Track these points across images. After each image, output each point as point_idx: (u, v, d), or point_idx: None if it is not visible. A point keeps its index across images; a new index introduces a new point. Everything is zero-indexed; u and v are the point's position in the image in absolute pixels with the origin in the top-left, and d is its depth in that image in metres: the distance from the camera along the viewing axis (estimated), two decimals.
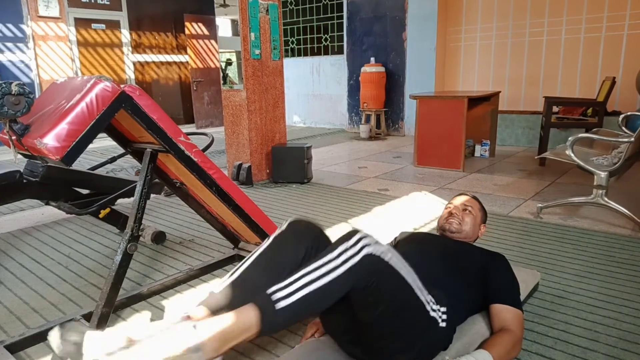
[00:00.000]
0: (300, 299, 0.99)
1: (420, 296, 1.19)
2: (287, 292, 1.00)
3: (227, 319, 0.96)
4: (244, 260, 1.30)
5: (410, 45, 6.37)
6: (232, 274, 1.26)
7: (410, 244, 1.66)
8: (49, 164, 2.05)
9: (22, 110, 1.48)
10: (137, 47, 7.66)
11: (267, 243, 1.32)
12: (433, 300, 1.24)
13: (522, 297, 1.66)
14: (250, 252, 2.26)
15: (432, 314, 1.23)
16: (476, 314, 1.48)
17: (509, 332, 1.36)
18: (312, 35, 7.65)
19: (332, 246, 1.08)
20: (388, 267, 1.09)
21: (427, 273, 1.40)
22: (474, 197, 1.74)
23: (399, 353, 1.21)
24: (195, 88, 7.83)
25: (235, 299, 1.16)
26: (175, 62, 8.22)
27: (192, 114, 8.01)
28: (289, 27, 7.88)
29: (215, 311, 1.12)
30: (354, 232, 1.09)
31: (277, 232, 1.33)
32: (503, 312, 1.40)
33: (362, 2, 6.74)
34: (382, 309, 1.12)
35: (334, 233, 2.64)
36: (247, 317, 0.97)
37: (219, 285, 1.24)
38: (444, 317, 1.26)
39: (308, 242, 1.30)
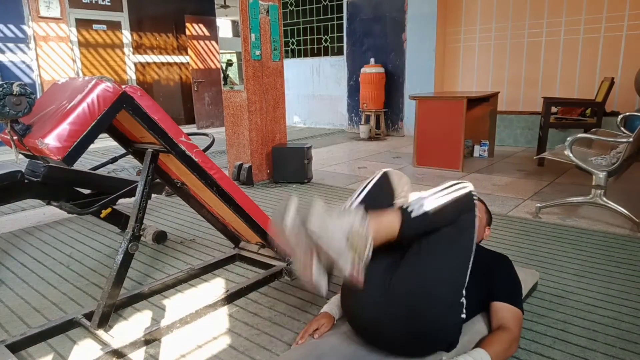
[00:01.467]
0: (426, 212, 1.27)
1: (467, 274, 1.30)
2: (417, 206, 1.28)
3: (382, 215, 1.27)
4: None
5: (409, 46, 6.38)
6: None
7: None
8: (50, 164, 2.06)
9: (23, 110, 1.49)
10: (138, 48, 7.67)
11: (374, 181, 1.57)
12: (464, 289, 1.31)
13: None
14: (250, 251, 2.29)
15: (462, 300, 1.29)
16: (478, 314, 1.49)
17: (506, 330, 1.36)
18: (312, 36, 7.66)
19: (448, 182, 1.37)
20: (470, 225, 1.32)
21: None
22: (479, 200, 1.74)
23: (430, 326, 1.26)
24: (196, 89, 7.84)
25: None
26: (176, 63, 8.23)
27: (192, 114, 8.02)
28: (289, 28, 7.90)
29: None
30: (460, 181, 1.38)
31: (377, 178, 1.57)
32: (502, 310, 1.41)
33: (362, 3, 6.76)
34: (439, 261, 1.27)
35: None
36: (394, 217, 1.27)
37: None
38: (464, 311, 1.31)
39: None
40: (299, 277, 1.21)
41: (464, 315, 1.32)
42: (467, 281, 1.30)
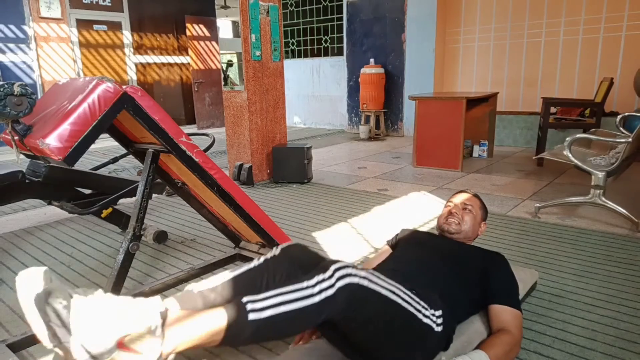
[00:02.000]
0: (273, 316, 0.96)
1: (409, 307, 1.18)
2: (262, 305, 0.96)
3: (197, 321, 0.93)
4: (229, 272, 1.27)
5: (409, 47, 6.39)
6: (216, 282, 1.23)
7: (409, 245, 1.66)
8: (51, 164, 2.07)
9: (24, 110, 1.50)
10: (138, 49, 7.68)
11: (257, 262, 1.30)
12: (426, 306, 1.23)
13: (520, 297, 1.67)
14: (251, 251, 2.29)
15: (425, 320, 1.21)
16: (476, 313, 1.49)
17: (508, 333, 1.35)
18: (312, 37, 7.67)
19: (311, 274, 1.06)
20: (367, 292, 1.08)
21: (425, 275, 1.41)
22: (475, 195, 1.73)
23: None
24: (196, 89, 7.85)
25: (210, 302, 1.15)
26: (176, 64, 8.24)
27: (193, 114, 8.03)
28: (289, 28, 7.90)
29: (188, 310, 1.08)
30: (330, 263, 1.08)
31: (269, 255, 1.32)
32: (502, 313, 1.40)
33: (362, 4, 6.77)
34: (370, 329, 1.13)
35: (334, 233, 2.67)
36: (217, 321, 0.93)
37: (197, 287, 1.20)
38: (439, 320, 1.25)
39: (296, 263, 1.28)
40: None
41: (439, 328, 1.24)
42: (415, 304, 1.20)
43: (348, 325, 1.11)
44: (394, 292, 1.15)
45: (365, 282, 1.08)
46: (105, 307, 0.84)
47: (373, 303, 1.10)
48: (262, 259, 1.32)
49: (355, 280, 1.06)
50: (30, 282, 0.85)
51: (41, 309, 0.81)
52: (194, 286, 1.22)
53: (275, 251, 1.34)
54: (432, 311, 1.25)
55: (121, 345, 0.83)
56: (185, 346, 0.92)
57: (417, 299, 1.22)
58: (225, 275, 1.25)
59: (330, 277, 1.04)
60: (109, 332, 0.82)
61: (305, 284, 1.02)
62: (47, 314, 0.81)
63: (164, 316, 0.91)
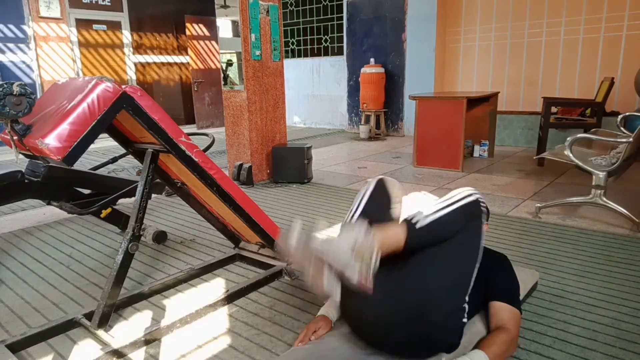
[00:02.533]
0: (431, 222, 1.27)
1: (471, 282, 1.31)
2: (421, 217, 1.29)
3: (388, 228, 1.29)
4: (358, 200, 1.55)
5: (409, 46, 6.38)
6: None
7: None
8: (50, 164, 2.07)
9: (23, 110, 1.49)
10: (138, 48, 7.67)
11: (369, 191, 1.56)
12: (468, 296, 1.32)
13: (521, 297, 1.67)
14: (250, 251, 2.29)
15: (464, 305, 1.30)
16: (477, 314, 1.49)
17: (505, 330, 1.36)
18: (312, 36, 7.67)
19: (454, 191, 1.37)
20: (479, 228, 1.35)
21: None
22: None
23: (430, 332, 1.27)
24: (196, 89, 7.85)
25: None
26: (176, 63, 8.24)
27: (193, 114, 8.02)
28: (289, 28, 7.90)
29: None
30: (466, 189, 1.38)
31: (372, 186, 1.57)
32: (501, 310, 1.41)
33: (362, 3, 6.76)
34: (444, 260, 1.28)
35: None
36: (399, 230, 1.28)
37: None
38: (466, 315, 1.32)
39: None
40: (310, 289, 1.24)
41: (465, 320, 1.32)
42: (471, 287, 1.31)
43: (437, 244, 1.29)
44: (478, 259, 1.33)
45: (484, 225, 1.36)
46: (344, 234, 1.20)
47: (472, 240, 1.33)
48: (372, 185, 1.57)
49: (483, 205, 1.36)
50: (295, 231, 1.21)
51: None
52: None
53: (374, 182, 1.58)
54: (466, 305, 1.32)
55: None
56: (384, 245, 1.23)
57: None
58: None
59: (470, 194, 1.35)
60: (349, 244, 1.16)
61: (448, 195, 1.36)
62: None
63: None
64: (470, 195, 1.34)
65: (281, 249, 1.22)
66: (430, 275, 1.27)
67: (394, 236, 1.26)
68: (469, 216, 1.32)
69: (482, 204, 1.34)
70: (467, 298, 1.31)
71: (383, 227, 1.27)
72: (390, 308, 1.26)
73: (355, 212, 1.50)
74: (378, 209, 1.50)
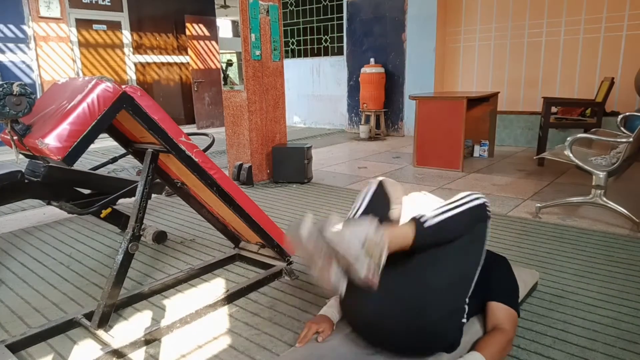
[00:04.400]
0: (440, 222, 1.28)
1: (472, 283, 1.32)
2: (430, 216, 1.29)
3: (396, 226, 1.33)
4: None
5: (409, 46, 6.38)
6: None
7: None
8: (50, 164, 2.06)
9: (23, 110, 1.49)
10: (138, 48, 7.67)
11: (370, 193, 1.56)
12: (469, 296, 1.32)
13: (521, 297, 1.67)
14: (250, 251, 2.29)
15: (465, 306, 1.30)
16: (476, 315, 1.49)
17: (502, 331, 1.37)
18: (312, 36, 7.67)
19: (460, 194, 1.38)
20: (485, 227, 1.36)
21: None
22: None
23: (430, 333, 1.27)
24: (196, 89, 7.84)
25: None
26: (176, 63, 8.24)
27: (193, 114, 8.02)
28: (289, 28, 7.90)
29: None
30: (473, 193, 1.40)
31: (374, 188, 1.58)
32: (498, 310, 1.42)
33: (362, 3, 6.76)
34: (447, 263, 1.29)
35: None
36: (407, 228, 1.29)
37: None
38: (466, 316, 1.32)
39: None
40: (316, 282, 1.25)
41: (464, 320, 1.32)
42: (472, 289, 1.32)
43: (441, 247, 1.30)
44: (481, 262, 1.34)
45: (488, 229, 1.37)
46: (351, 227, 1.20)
47: (473, 249, 1.34)
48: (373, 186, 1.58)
49: (489, 209, 1.38)
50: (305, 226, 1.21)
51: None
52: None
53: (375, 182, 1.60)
54: (467, 305, 1.32)
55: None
56: (394, 243, 1.24)
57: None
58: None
59: (478, 197, 1.36)
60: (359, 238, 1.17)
61: (459, 196, 1.37)
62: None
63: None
64: (477, 198, 1.35)
65: (291, 240, 1.23)
66: (432, 275, 1.28)
67: (402, 234, 1.27)
68: (475, 219, 1.33)
69: (488, 208, 1.36)
70: (467, 299, 1.31)
71: (392, 224, 1.29)
72: (391, 306, 1.27)
73: (356, 213, 1.50)
74: (379, 210, 1.50)
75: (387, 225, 1.27)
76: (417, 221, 1.29)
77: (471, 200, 1.34)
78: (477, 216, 1.34)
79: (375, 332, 1.34)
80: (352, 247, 1.15)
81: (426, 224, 1.28)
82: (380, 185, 1.58)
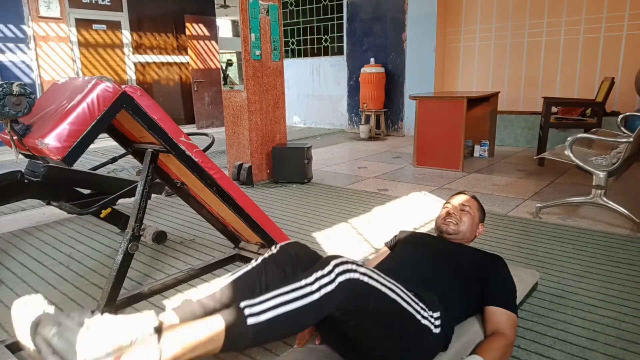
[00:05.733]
0: (273, 318, 0.95)
1: (408, 307, 1.17)
2: (260, 308, 0.95)
3: (193, 328, 0.92)
4: (228, 276, 1.27)
5: (409, 46, 6.38)
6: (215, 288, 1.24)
7: (407, 246, 1.66)
8: (50, 164, 2.06)
9: (23, 110, 1.49)
10: (138, 48, 7.67)
11: (255, 263, 1.31)
12: (424, 307, 1.23)
13: (521, 297, 1.67)
14: (250, 251, 2.28)
15: (424, 322, 1.21)
16: (475, 314, 1.48)
17: (502, 336, 1.35)
18: (312, 36, 7.66)
19: (309, 271, 1.05)
20: (368, 289, 1.06)
21: (422, 276, 1.41)
22: (473, 197, 1.73)
23: None
24: (195, 89, 7.84)
25: (210, 310, 1.15)
26: (176, 63, 8.23)
27: (192, 114, 8.02)
28: (289, 28, 7.90)
29: (187, 320, 1.09)
30: (330, 259, 1.07)
31: (267, 254, 1.33)
32: (497, 314, 1.40)
33: (362, 3, 6.76)
34: (368, 327, 1.12)
35: (334, 233, 2.66)
36: (214, 327, 0.92)
37: (196, 295, 1.21)
38: (437, 322, 1.25)
39: (294, 261, 1.30)
40: None
41: (437, 329, 1.23)
42: (415, 305, 1.19)
43: (347, 323, 1.09)
44: (393, 291, 1.14)
45: (365, 278, 1.06)
46: (96, 330, 0.84)
47: (373, 300, 1.08)
48: (260, 259, 1.32)
49: (355, 275, 1.04)
50: (23, 311, 0.88)
51: (32, 339, 0.83)
52: (193, 295, 1.24)
53: (274, 250, 1.35)
54: (431, 312, 1.24)
55: None
56: (185, 356, 0.90)
57: (416, 300, 1.21)
58: (223, 280, 1.25)
59: (330, 272, 1.03)
60: (103, 353, 0.82)
61: (303, 282, 1.01)
62: (38, 344, 0.82)
63: (158, 329, 0.91)
64: (333, 279, 1.01)
65: None
66: (367, 341, 1.14)
67: (198, 341, 0.90)
68: (344, 302, 1.02)
69: (356, 278, 1.04)
70: (423, 312, 1.20)
71: (183, 330, 0.92)
72: (346, 351, 1.23)
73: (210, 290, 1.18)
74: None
75: (173, 331, 0.90)
76: (234, 316, 0.94)
77: (325, 285, 1.00)
78: (343, 300, 1.02)
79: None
80: None
81: (250, 321, 0.94)
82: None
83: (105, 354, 0.81)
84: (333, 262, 1.05)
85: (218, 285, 1.23)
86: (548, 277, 2.03)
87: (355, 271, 1.05)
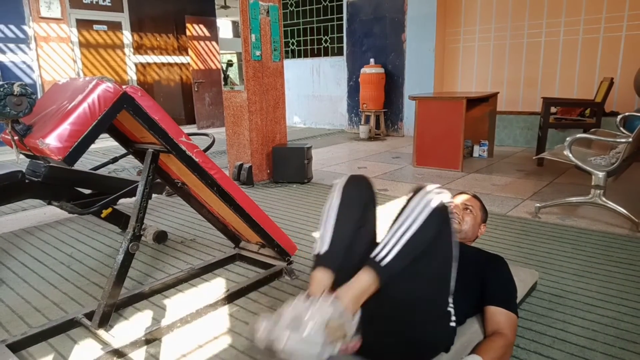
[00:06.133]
0: (398, 252, 1.16)
1: (450, 281, 1.24)
2: (385, 252, 1.17)
3: (355, 284, 1.16)
4: (326, 214, 1.38)
5: (409, 47, 6.39)
6: (324, 230, 1.35)
7: None
8: (51, 164, 2.07)
9: (24, 110, 1.49)
10: (138, 49, 7.68)
11: (337, 200, 1.39)
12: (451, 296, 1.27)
13: (520, 297, 1.67)
14: (250, 251, 2.29)
15: (449, 308, 1.25)
16: (474, 315, 1.49)
17: (502, 336, 1.35)
18: (312, 37, 7.67)
19: (415, 199, 1.22)
20: (447, 234, 1.22)
21: None
22: (475, 196, 1.73)
23: (412, 339, 1.23)
24: (196, 89, 7.85)
25: (343, 259, 1.30)
26: (176, 63, 8.24)
27: (193, 114, 8.03)
28: (289, 28, 7.90)
29: (338, 271, 1.26)
30: (421, 187, 1.24)
31: (340, 188, 1.42)
32: (497, 314, 1.40)
33: (362, 4, 6.76)
34: (415, 283, 1.20)
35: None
36: (367, 278, 1.16)
37: (320, 243, 1.33)
38: (454, 318, 1.28)
39: (365, 196, 1.43)
40: None
41: (453, 323, 1.28)
42: (452, 290, 1.26)
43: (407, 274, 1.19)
44: (451, 263, 1.24)
45: (453, 233, 1.23)
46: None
47: (441, 253, 1.22)
48: (337, 194, 1.40)
49: (448, 215, 1.21)
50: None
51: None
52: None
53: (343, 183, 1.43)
54: (451, 302, 1.27)
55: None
56: (359, 304, 1.15)
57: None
58: (330, 220, 1.37)
59: (434, 192, 1.21)
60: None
61: (405, 213, 1.20)
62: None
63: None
64: (434, 198, 1.19)
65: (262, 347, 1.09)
66: (406, 289, 1.21)
67: (363, 288, 1.14)
68: (438, 226, 1.19)
69: (448, 206, 1.21)
70: (450, 300, 1.26)
71: (349, 286, 1.15)
72: (372, 331, 1.23)
73: (324, 241, 1.31)
74: (350, 223, 1.34)
75: (344, 290, 1.14)
76: (373, 265, 1.16)
77: (427, 205, 1.18)
78: (437, 221, 1.18)
79: (368, 350, 1.28)
80: (310, 353, 1.03)
81: (384, 263, 1.15)
82: (346, 188, 1.41)
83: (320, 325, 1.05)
84: (428, 188, 1.23)
85: (328, 228, 1.35)
86: (547, 276, 2.03)
87: (444, 194, 1.22)
